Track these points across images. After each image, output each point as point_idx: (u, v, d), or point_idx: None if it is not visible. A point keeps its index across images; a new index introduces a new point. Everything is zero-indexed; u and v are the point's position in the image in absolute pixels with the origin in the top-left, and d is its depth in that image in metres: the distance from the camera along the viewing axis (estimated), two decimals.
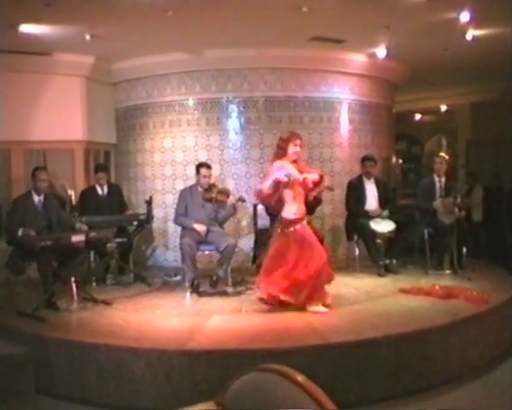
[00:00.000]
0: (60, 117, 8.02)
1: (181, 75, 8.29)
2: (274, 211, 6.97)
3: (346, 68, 8.49)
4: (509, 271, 7.21)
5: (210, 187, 6.65)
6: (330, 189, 7.25)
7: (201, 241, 6.59)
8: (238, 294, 6.37)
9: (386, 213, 7.28)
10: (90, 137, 8.37)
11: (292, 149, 5.59)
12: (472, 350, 4.97)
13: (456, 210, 7.05)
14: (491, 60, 8.50)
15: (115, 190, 7.75)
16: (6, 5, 5.65)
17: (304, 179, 5.59)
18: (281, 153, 5.63)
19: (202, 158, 8.00)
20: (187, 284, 6.40)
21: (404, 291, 6.12)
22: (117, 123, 8.99)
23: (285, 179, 5.46)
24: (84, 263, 6.83)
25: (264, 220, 7.36)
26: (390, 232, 7.07)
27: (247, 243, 8.02)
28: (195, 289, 6.40)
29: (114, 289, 6.83)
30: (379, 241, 7.06)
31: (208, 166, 6.83)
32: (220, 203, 6.60)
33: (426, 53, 8.05)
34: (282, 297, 5.44)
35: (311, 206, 7.08)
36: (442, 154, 8.02)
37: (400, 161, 12.47)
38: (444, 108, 12.71)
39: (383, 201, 7.44)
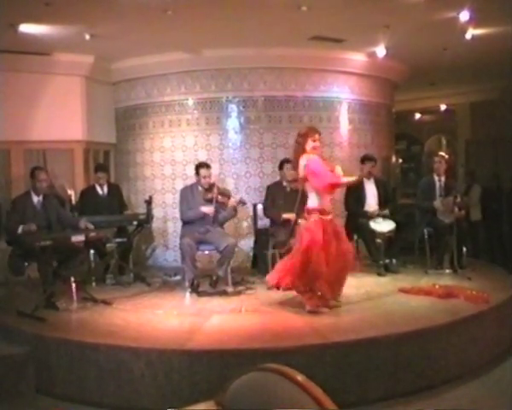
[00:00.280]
0: (59, 117, 8.02)
1: (181, 75, 8.29)
2: (272, 214, 7.00)
3: (346, 68, 8.49)
4: (509, 270, 7.21)
5: (210, 187, 6.64)
6: None
7: (201, 241, 6.58)
8: (238, 294, 6.37)
9: (385, 212, 7.27)
10: (90, 137, 8.36)
11: (310, 144, 5.46)
12: (472, 349, 4.96)
13: (456, 209, 7.05)
14: (491, 59, 8.51)
15: (115, 190, 7.75)
16: (5, 5, 5.65)
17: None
18: (299, 149, 5.52)
19: (202, 158, 8.00)
20: (187, 283, 6.40)
21: (403, 291, 6.12)
22: (117, 123, 8.99)
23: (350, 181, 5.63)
24: (84, 263, 6.83)
25: (264, 221, 7.37)
26: (390, 232, 7.07)
27: (246, 243, 8.02)
28: (195, 288, 6.40)
29: (114, 288, 6.83)
30: (379, 240, 7.05)
31: (208, 166, 6.80)
32: (221, 204, 6.60)
33: (425, 52, 8.05)
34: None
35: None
36: (442, 153, 8.04)
37: (400, 160, 12.48)
38: (443, 107, 12.72)
39: (383, 200, 7.44)
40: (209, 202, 6.58)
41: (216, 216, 6.66)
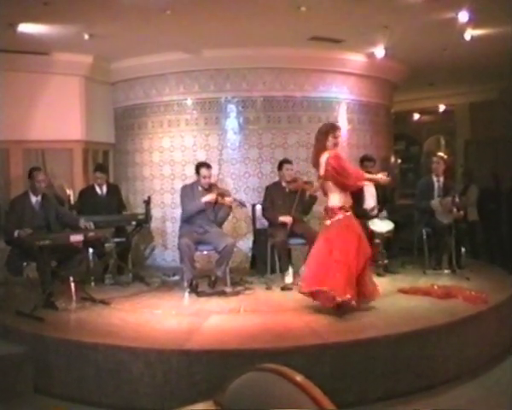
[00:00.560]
0: (58, 117, 8.02)
1: (179, 75, 8.29)
2: (269, 216, 7.00)
3: (345, 68, 8.49)
4: (508, 270, 7.22)
5: (210, 188, 6.64)
6: None
7: (200, 241, 6.58)
8: (237, 294, 6.37)
9: (384, 213, 7.28)
10: (89, 137, 8.36)
11: (331, 141, 5.39)
12: (471, 350, 4.97)
13: (455, 210, 7.06)
14: (490, 60, 8.51)
15: (114, 190, 7.75)
16: (4, 4, 5.64)
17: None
18: (320, 146, 5.44)
19: (201, 158, 7.99)
20: (185, 283, 6.40)
21: (402, 291, 6.13)
22: (115, 123, 8.98)
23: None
24: (83, 263, 6.82)
25: (262, 221, 7.36)
26: (388, 232, 7.08)
27: (245, 244, 8.02)
28: (194, 289, 6.40)
29: (113, 288, 6.83)
30: (377, 241, 7.06)
31: (208, 166, 6.76)
32: (220, 205, 6.60)
33: (424, 53, 8.06)
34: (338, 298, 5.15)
35: (307, 204, 7.11)
36: (440, 153, 8.05)
37: (399, 160, 12.48)
38: (442, 107, 12.73)
39: (381, 201, 7.44)
40: (208, 203, 6.58)
41: (215, 217, 6.67)
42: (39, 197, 6.17)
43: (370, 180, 6.01)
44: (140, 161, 8.66)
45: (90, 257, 7.14)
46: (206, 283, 6.59)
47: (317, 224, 8.00)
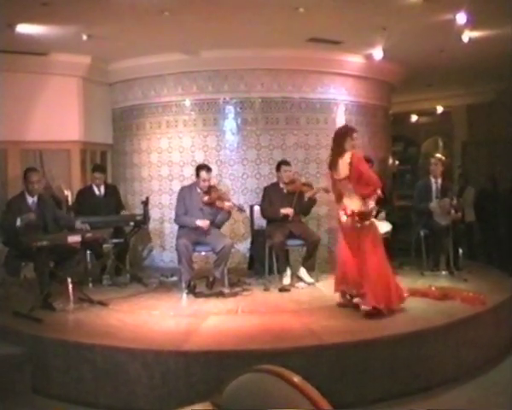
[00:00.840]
0: (56, 117, 8.01)
1: (177, 76, 8.28)
2: (270, 213, 7.00)
3: (343, 69, 8.49)
4: (506, 271, 7.22)
5: (209, 190, 6.64)
6: (326, 190, 7.28)
7: (198, 242, 6.58)
8: (234, 295, 6.37)
9: (382, 214, 7.28)
10: (87, 138, 8.35)
11: (349, 143, 5.42)
12: (468, 351, 4.98)
13: (453, 211, 7.07)
14: (488, 61, 8.53)
15: (112, 191, 7.73)
16: (2, 5, 5.63)
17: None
18: (339, 149, 5.44)
19: (199, 159, 8.01)
20: (183, 284, 6.40)
21: None
22: (113, 123, 8.98)
23: None
24: (81, 264, 6.83)
25: (260, 222, 7.36)
26: (386, 233, 7.08)
27: (243, 245, 8.02)
28: (192, 289, 6.40)
29: (111, 289, 6.82)
30: None
31: (209, 169, 6.72)
32: (218, 208, 6.61)
33: (422, 54, 8.07)
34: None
35: (306, 206, 7.12)
36: (438, 155, 8.04)
37: (397, 162, 12.49)
38: (440, 109, 12.74)
39: (379, 202, 7.43)
40: (207, 205, 6.58)
41: (213, 219, 6.67)
42: (35, 198, 6.15)
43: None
44: (138, 161, 8.66)
45: (88, 258, 7.13)
46: (204, 284, 6.59)
47: (315, 225, 8.04)
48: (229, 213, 6.76)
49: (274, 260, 6.80)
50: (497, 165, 11.18)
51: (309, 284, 6.78)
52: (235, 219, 7.86)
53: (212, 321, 5.30)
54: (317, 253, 6.87)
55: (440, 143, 12.97)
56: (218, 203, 6.55)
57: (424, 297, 5.87)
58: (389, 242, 7.18)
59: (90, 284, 6.95)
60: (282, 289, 6.54)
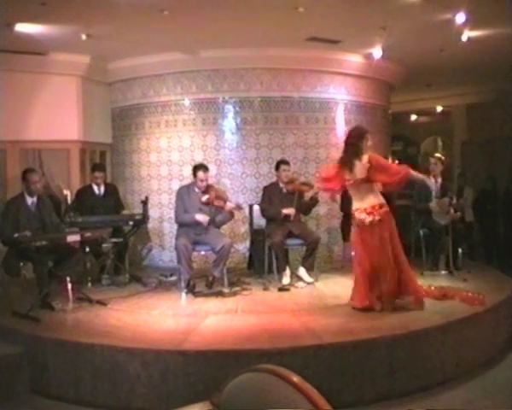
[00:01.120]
0: (55, 117, 8.00)
1: (177, 75, 8.28)
2: (271, 213, 6.99)
3: (342, 69, 8.49)
4: (505, 271, 7.23)
5: (207, 190, 6.64)
6: None
7: (197, 241, 6.58)
8: (234, 294, 6.37)
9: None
10: (86, 137, 8.35)
11: (365, 144, 5.47)
12: (467, 351, 4.98)
13: (452, 211, 7.07)
14: (487, 61, 8.53)
15: (112, 190, 7.73)
16: (1, 4, 5.63)
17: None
18: (356, 150, 5.43)
19: (198, 158, 8.01)
20: (182, 284, 6.40)
21: None
22: (113, 123, 8.98)
23: None
24: (80, 263, 6.81)
25: (260, 221, 7.36)
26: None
27: (242, 244, 8.02)
28: (191, 289, 6.39)
29: (110, 289, 6.82)
30: None
31: (205, 169, 6.74)
32: (217, 208, 6.60)
33: (422, 54, 8.08)
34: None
35: (308, 206, 7.12)
36: (438, 154, 8.04)
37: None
38: (440, 109, 12.75)
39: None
40: (205, 205, 6.58)
41: (213, 219, 6.67)
42: (35, 199, 6.14)
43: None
44: (137, 161, 8.66)
45: (87, 257, 7.13)
46: (203, 283, 6.58)
47: (314, 224, 8.04)
48: (231, 213, 6.77)
49: (273, 259, 6.80)
50: (496, 165, 11.20)
51: (308, 283, 6.78)
52: (234, 218, 7.85)
53: (211, 321, 5.30)
54: (317, 252, 6.86)
55: (440, 143, 12.99)
56: (216, 203, 6.55)
57: (423, 297, 5.86)
58: None
59: (89, 284, 6.94)
60: (282, 289, 6.54)
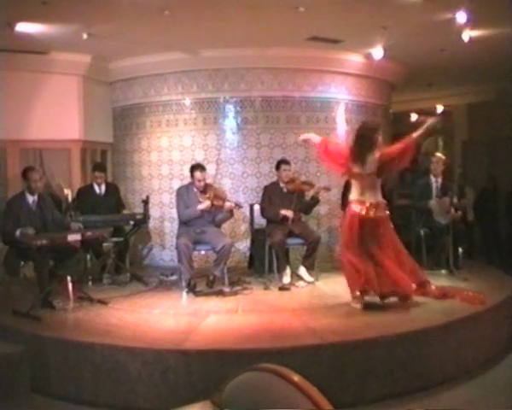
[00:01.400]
0: (56, 116, 8.00)
1: (178, 75, 8.28)
2: (270, 214, 7.00)
3: (343, 68, 8.49)
4: (506, 271, 7.22)
5: (205, 189, 6.65)
6: (327, 189, 7.29)
7: (198, 241, 6.59)
8: (235, 294, 6.37)
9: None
10: (87, 137, 8.35)
11: (376, 138, 5.56)
12: (468, 350, 4.98)
13: (453, 210, 7.07)
14: (488, 61, 8.52)
15: (113, 190, 7.73)
16: (2, 3, 5.64)
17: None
18: (369, 144, 5.48)
19: (199, 158, 8.01)
20: (183, 283, 6.41)
21: None
22: (114, 122, 8.98)
23: None
24: (81, 262, 6.81)
25: (260, 221, 7.36)
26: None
27: (243, 243, 8.02)
28: (192, 288, 6.39)
29: (111, 288, 6.83)
30: None
31: (202, 169, 6.76)
32: (216, 207, 6.61)
33: (423, 53, 8.07)
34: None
35: (308, 206, 7.12)
36: (438, 154, 8.03)
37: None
38: (440, 108, 12.73)
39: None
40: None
41: (213, 218, 6.68)
42: (36, 197, 6.15)
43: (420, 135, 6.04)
44: (138, 160, 8.66)
45: (88, 256, 7.13)
46: (204, 282, 6.58)
47: (315, 224, 8.04)
48: (230, 212, 6.78)
49: (274, 259, 6.80)
50: (497, 164, 11.18)
51: (309, 282, 6.78)
52: (235, 217, 7.85)
53: (211, 320, 5.30)
54: (317, 252, 6.87)
55: (440, 143, 12.97)
56: (215, 202, 6.56)
57: (424, 296, 5.86)
58: None
59: (90, 283, 6.96)
60: (282, 288, 6.54)
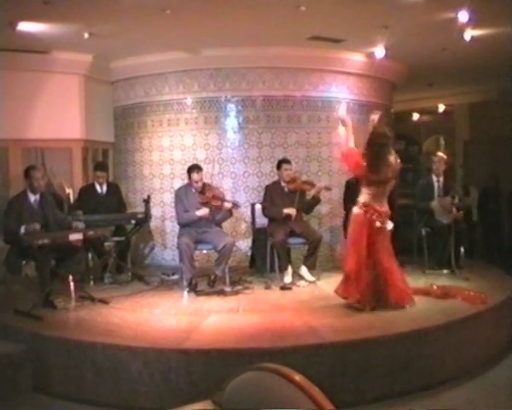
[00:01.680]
0: (58, 115, 8.01)
1: (179, 74, 8.28)
2: (272, 213, 6.99)
3: (345, 68, 8.48)
4: (507, 271, 7.22)
5: (203, 190, 6.66)
6: (328, 188, 7.29)
7: (199, 240, 6.60)
8: (236, 293, 6.37)
9: None
10: (88, 136, 8.35)
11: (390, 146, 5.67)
12: (469, 350, 4.97)
13: (454, 210, 7.07)
14: (490, 60, 8.51)
15: (114, 189, 7.74)
16: (4, 3, 5.64)
17: None
18: (387, 150, 5.51)
19: (200, 157, 8.01)
20: (185, 283, 6.41)
21: None
22: (115, 121, 8.98)
23: None
24: (82, 262, 6.83)
25: (262, 220, 7.36)
26: (388, 232, 7.07)
27: (244, 243, 8.02)
28: (193, 288, 6.40)
29: (112, 287, 6.83)
30: None
31: (199, 169, 6.78)
32: (215, 207, 6.62)
33: (424, 53, 8.06)
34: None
35: (310, 205, 7.12)
36: (440, 154, 8.03)
37: (398, 160, 12.45)
38: (442, 107, 12.72)
39: None
40: (203, 205, 6.60)
41: (212, 217, 6.69)
42: (38, 196, 6.16)
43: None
44: (140, 159, 8.66)
45: (90, 256, 7.14)
46: (205, 282, 6.59)
47: (316, 223, 8.04)
48: (229, 211, 6.79)
49: (275, 258, 6.80)
50: (498, 164, 11.17)
51: (310, 282, 6.78)
52: (236, 217, 7.86)
53: (213, 319, 5.30)
54: (319, 251, 6.87)
55: (442, 142, 12.95)
56: (214, 203, 6.57)
57: (425, 296, 5.87)
58: (391, 240, 7.19)
59: (92, 282, 6.97)
60: (284, 288, 6.54)
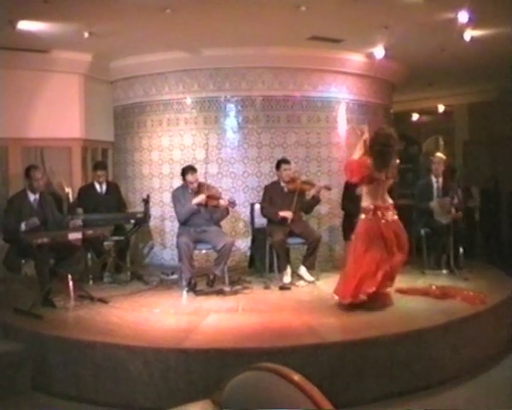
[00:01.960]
0: (57, 115, 8.00)
1: (179, 74, 8.28)
2: (269, 213, 7.00)
3: (344, 68, 8.49)
4: (506, 271, 7.22)
5: (199, 190, 6.67)
6: (327, 188, 7.30)
7: (198, 240, 6.60)
8: (235, 293, 6.38)
9: None
10: (88, 135, 8.35)
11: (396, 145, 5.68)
12: (468, 350, 4.97)
13: (453, 210, 7.07)
14: (489, 60, 8.52)
15: (114, 189, 7.74)
16: (4, 2, 5.64)
17: None
18: (393, 152, 5.55)
19: (200, 157, 8.00)
20: (184, 282, 6.41)
21: (400, 291, 6.10)
22: (115, 121, 8.97)
23: None
24: (81, 261, 6.82)
25: (261, 220, 7.36)
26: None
27: (243, 243, 8.02)
28: (192, 287, 6.40)
29: (111, 287, 6.83)
30: None
31: (194, 170, 6.79)
32: (212, 207, 6.62)
33: (424, 53, 8.06)
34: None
35: (309, 205, 7.13)
36: (439, 154, 8.03)
37: (397, 160, 12.45)
38: (441, 108, 12.72)
39: None
40: (200, 205, 6.61)
41: (210, 217, 6.69)
42: (37, 195, 6.17)
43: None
44: (139, 159, 8.66)
45: (89, 255, 7.14)
46: (204, 282, 6.59)
47: (315, 223, 8.04)
48: (226, 210, 6.81)
49: (274, 258, 6.80)
50: (498, 164, 11.17)
51: (309, 282, 6.79)
52: (235, 217, 7.86)
53: (212, 319, 5.31)
54: (318, 251, 6.87)
55: (441, 142, 12.95)
56: (210, 203, 6.57)
57: (424, 296, 5.88)
58: None
59: (91, 282, 6.96)
60: (283, 288, 6.54)
